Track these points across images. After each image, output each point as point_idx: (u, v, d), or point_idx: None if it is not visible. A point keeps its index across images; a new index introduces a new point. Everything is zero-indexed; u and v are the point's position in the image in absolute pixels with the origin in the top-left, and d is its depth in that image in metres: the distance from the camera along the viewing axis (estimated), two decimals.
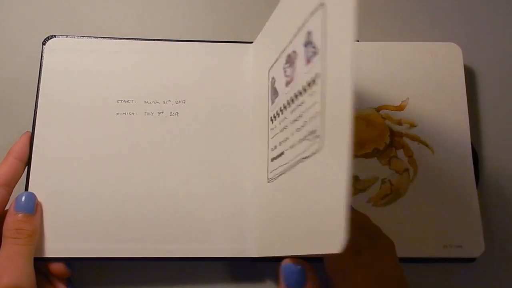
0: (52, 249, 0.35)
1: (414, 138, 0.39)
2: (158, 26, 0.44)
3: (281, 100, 0.31)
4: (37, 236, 0.34)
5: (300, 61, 0.28)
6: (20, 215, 0.34)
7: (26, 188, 0.36)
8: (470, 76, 0.43)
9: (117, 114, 0.38)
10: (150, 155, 0.37)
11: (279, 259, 0.29)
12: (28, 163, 0.36)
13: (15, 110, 0.42)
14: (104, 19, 0.44)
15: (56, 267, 0.35)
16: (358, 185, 0.38)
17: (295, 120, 0.29)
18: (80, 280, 0.38)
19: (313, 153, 0.26)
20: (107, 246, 0.35)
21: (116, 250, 0.35)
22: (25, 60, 0.42)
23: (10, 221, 0.33)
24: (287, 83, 0.30)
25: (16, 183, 0.36)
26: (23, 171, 0.36)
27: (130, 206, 0.36)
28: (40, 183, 0.36)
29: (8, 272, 0.31)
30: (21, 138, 0.37)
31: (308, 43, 0.27)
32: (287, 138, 0.30)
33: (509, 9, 0.45)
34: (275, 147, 0.32)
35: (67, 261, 0.36)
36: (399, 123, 0.39)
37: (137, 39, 0.40)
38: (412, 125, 0.39)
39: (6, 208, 0.35)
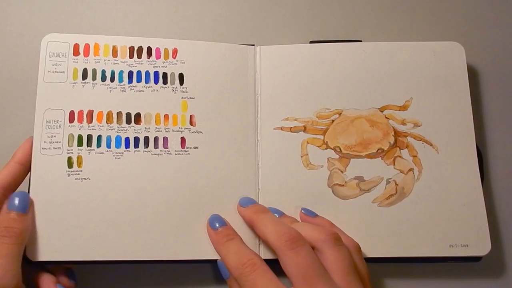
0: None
1: (419, 138, 0.39)
2: (157, 26, 0.45)
3: None
4: (27, 236, 0.34)
5: None
6: (12, 213, 0.34)
7: (29, 189, 0.36)
8: (473, 75, 0.43)
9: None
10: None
11: None
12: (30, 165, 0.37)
13: (14, 110, 0.42)
14: (104, 19, 0.44)
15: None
16: (363, 185, 0.38)
17: None
18: (79, 280, 0.38)
19: None
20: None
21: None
22: (25, 60, 0.43)
23: (1, 219, 0.34)
24: None
25: (17, 187, 0.36)
26: (25, 176, 0.36)
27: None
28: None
29: None
30: (24, 143, 0.37)
31: None
32: None
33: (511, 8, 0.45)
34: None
35: (64, 264, 0.36)
36: (403, 122, 0.39)
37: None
38: (416, 125, 0.39)
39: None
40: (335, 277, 0.31)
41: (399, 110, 0.40)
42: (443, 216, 0.37)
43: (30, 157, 0.36)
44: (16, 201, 0.34)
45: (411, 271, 0.39)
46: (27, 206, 0.35)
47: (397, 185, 0.38)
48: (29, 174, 0.36)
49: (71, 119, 0.37)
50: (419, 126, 0.39)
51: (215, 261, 0.36)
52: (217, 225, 0.36)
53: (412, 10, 0.45)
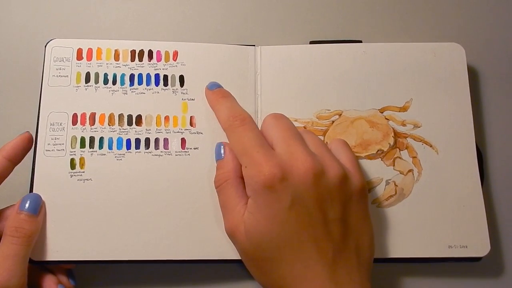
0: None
1: (418, 139, 0.39)
2: (158, 27, 0.45)
3: None
4: (36, 238, 0.35)
5: None
6: (23, 214, 0.34)
7: (31, 190, 0.36)
8: (473, 76, 0.43)
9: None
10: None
11: None
12: (33, 165, 0.37)
13: (15, 110, 0.42)
14: (105, 22, 0.44)
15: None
16: None
17: None
18: (80, 280, 0.38)
19: None
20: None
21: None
22: (26, 61, 0.43)
23: (12, 219, 0.34)
24: None
25: (1, 182, 0.35)
26: (11, 171, 0.36)
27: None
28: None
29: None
30: (15, 138, 0.36)
31: None
32: None
33: None
34: None
35: (66, 264, 0.36)
36: (403, 124, 0.39)
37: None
38: (416, 126, 0.39)
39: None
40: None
41: (399, 111, 0.40)
42: (442, 217, 0.37)
43: (20, 154, 0.36)
44: (28, 202, 0.34)
45: (411, 271, 0.39)
46: (38, 208, 0.35)
47: (397, 186, 0.38)
48: (31, 174, 0.37)
49: (74, 122, 0.38)
50: (419, 127, 0.39)
51: (216, 261, 0.36)
52: (214, 87, 0.38)
53: (412, 11, 0.45)
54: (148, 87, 0.39)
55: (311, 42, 0.42)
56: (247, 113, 0.36)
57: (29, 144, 0.37)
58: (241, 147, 0.34)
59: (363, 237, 0.33)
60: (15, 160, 0.36)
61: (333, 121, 0.40)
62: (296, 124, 0.39)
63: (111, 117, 0.38)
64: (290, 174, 0.31)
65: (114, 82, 0.39)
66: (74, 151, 0.37)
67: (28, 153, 0.37)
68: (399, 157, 0.39)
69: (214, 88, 0.38)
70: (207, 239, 0.36)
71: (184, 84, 0.39)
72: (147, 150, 0.38)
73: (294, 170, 0.31)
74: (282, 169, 0.31)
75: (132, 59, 0.40)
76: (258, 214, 0.31)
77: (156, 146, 0.38)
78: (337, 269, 0.31)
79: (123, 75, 0.39)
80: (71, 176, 0.37)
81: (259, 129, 0.36)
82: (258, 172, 0.31)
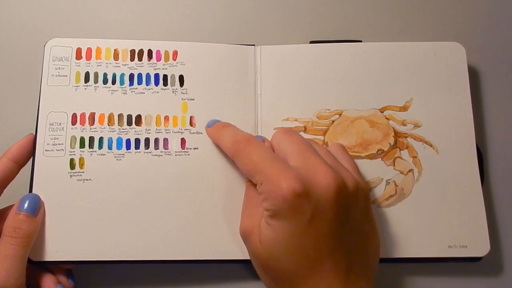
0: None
1: (419, 139, 0.39)
2: (157, 27, 0.44)
3: None
4: (34, 238, 0.35)
5: None
6: (21, 214, 0.34)
7: (30, 190, 0.36)
8: (474, 75, 0.43)
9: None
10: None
11: None
12: (32, 165, 0.37)
13: (16, 112, 0.42)
14: (104, 21, 0.44)
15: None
16: None
17: None
18: (79, 280, 0.38)
19: None
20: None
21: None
22: (26, 62, 0.43)
23: (10, 219, 0.34)
24: None
25: (7, 184, 0.36)
26: (17, 173, 0.36)
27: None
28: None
29: None
30: (20, 140, 0.37)
31: None
32: None
33: None
34: None
35: (65, 264, 0.37)
36: (403, 123, 0.39)
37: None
38: (416, 126, 0.39)
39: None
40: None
41: (399, 111, 0.40)
42: (442, 217, 0.37)
43: (25, 155, 0.37)
44: (26, 202, 0.35)
45: (411, 271, 0.39)
46: (36, 208, 0.35)
47: (397, 186, 0.38)
48: (30, 174, 0.37)
49: (74, 122, 0.38)
50: (419, 127, 0.39)
51: (216, 261, 0.36)
52: (213, 123, 0.38)
53: (412, 10, 0.45)
54: (148, 87, 0.39)
55: (311, 42, 0.42)
56: (250, 134, 0.35)
57: (34, 146, 0.37)
58: (252, 166, 0.32)
59: (372, 242, 0.33)
60: (20, 162, 0.36)
61: (333, 121, 0.40)
62: (296, 124, 0.39)
63: (110, 117, 0.38)
64: (311, 188, 0.30)
65: (113, 82, 0.39)
66: (74, 151, 0.37)
67: None
68: (399, 157, 0.39)
69: (213, 124, 0.38)
70: (207, 239, 0.36)
71: (184, 84, 0.39)
72: (146, 150, 0.38)
73: (315, 184, 0.30)
74: (302, 183, 0.30)
75: (132, 59, 0.40)
76: (277, 226, 0.30)
77: (156, 146, 0.38)
78: (349, 278, 0.30)
79: (122, 75, 0.39)
80: (71, 176, 0.37)
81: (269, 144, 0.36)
82: (275, 187, 0.30)
